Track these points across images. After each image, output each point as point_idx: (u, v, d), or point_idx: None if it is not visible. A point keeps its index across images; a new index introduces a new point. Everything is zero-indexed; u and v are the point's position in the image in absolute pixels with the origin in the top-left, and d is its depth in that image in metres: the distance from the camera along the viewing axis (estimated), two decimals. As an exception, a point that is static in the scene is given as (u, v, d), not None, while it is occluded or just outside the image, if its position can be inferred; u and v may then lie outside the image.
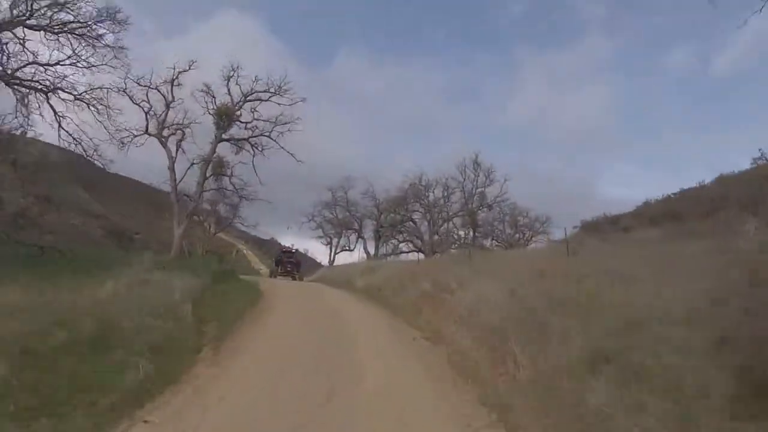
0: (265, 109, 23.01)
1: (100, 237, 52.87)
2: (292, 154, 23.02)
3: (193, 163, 21.09)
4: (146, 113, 20.96)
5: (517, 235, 50.09)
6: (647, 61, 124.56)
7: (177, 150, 21.00)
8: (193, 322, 9.03)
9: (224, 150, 22.88)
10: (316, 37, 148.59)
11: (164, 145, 21.00)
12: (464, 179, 48.39)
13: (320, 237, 45.18)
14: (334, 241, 45.12)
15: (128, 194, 49.22)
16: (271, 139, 22.76)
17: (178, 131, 21.24)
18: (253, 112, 23.09)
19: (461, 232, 50.20)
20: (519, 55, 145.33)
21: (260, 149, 22.76)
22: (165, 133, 21.10)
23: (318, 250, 63.49)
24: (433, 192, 47.47)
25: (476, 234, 50.02)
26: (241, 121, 22.80)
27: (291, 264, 28.62)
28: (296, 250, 32.26)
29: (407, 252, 46.46)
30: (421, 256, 45.37)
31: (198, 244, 37.09)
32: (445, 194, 48.67)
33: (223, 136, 21.97)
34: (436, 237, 48.41)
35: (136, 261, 13.98)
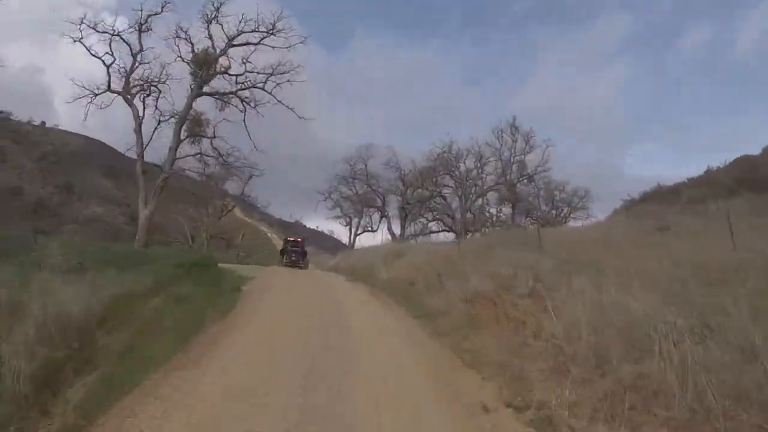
0: (261, 58, 18.14)
1: (122, 224, 49.83)
2: (292, 109, 18.23)
3: (160, 121, 16.48)
4: (108, 66, 16.38)
5: (554, 212, 43.66)
6: (666, 40, 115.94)
7: (144, 109, 16.44)
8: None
9: (207, 107, 18.27)
10: (331, 19, 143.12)
11: (130, 103, 16.38)
12: (501, 145, 42.55)
13: (338, 217, 40.45)
14: (354, 221, 40.28)
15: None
16: (265, 91, 17.97)
17: (148, 87, 16.63)
18: (244, 64, 18.24)
19: (492, 209, 44.65)
20: (535, 35, 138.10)
21: (253, 105, 18.02)
22: (132, 89, 16.49)
23: (344, 232, 59.13)
24: (464, 163, 41.85)
25: (515, 210, 44.29)
26: (229, 74, 17.99)
27: (296, 253, 26.80)
28: (303, 239, 29.72)
29: (437, 231, 41.26)
30: (451, 236, 40.29)
31: (202, 228, 33.05)
32: (478, 165, 42.98)
33: (204, 89, 17.25)
34: (468, 214, 42.97)
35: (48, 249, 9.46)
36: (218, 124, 17.81)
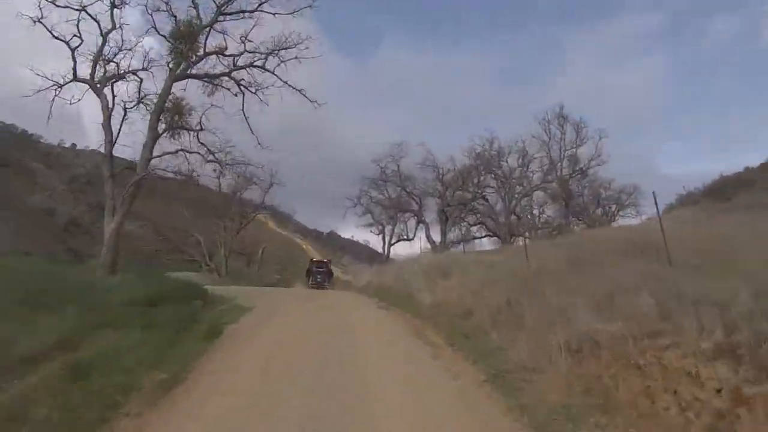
0: (262, 34, 14.69)
1: (154, 241, 47.94)
2: (300, 91, 14.53)
3: (126, 109, 12.96)
4: (73, 50, 13.19)
5: (599, 211, 38.79)
6: (695, 31, 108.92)
7: (114, 99, 13.05)
8: None
9: (195, 96, 14.84)
10: (358, 26, 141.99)
11: (98, 93, 13.06)
12: (549, 138, 37.58)
13: (370, 225, 36.36)
14: (388, 228, 36.04)
15: (167, 193, 43.83)
16: (266, 70, 14.36)
17: (120, 72, 13.30)
18: (243, 43, 14.74)
19: (535, 210, 39.62)
20: (561, 33, 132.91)
21: (253, 90, 14.45)
22: (101, 76, 13.22)
23: (377, 241, 55.22)
24: (507, 161, 37.23)
25: (570, 209, 39.05)
26: (225, 55, 14.51)
27: (321, 274, 26.58)
28: (329, 260, 30.11)
29: (479, 237, 36.62)
30: (490, 241, 35.61)
31: (219, 243, 30.05)
32: (523, 162, 38.15)
33: (191, 72, 13.80)
34: (513, 217, 38.12)
35: None
36: (209, 115, 14.18)
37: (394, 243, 35.37)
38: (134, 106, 13.05)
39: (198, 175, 13.48)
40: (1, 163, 61.70)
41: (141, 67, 13.79)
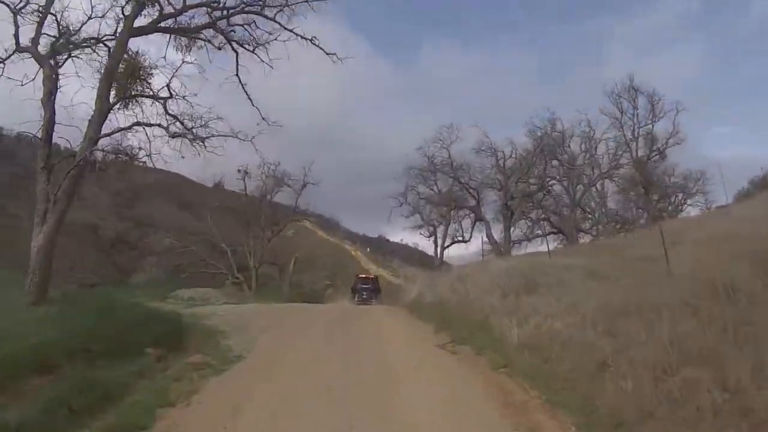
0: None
1: (199, 252, 46.25)
2: (312, 40, 10.44)
3: (56, 75, 9.11)
4: (16, 14, 9.76)
5: (663, 201, 32.72)
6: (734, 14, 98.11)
7: (57, 71, 9.44)
8: None
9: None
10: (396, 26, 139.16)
11: (42, 62, 9.43)
12: (622, 113, 31.49)
13: (419, 226, 31.62)
14: (440, 229, 31.14)
15: (207, 204, 42.17)
16: (265, 17, 10.42)
17: (67, 39, 9.75)
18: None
19: (592, 201, 33.51)
20: (600, 25, 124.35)
21: (251, 47, 10.57)
22: (45, 45, 9.71)
23: (428, 246, 50.65)
24: (569, 146, 31.68)
25: (651, 197, 32.70)
26: (212, 6, 10.70)
27: (367, 291, 25.01)
28: (375, 276, 28.13)
29: (542, 235, 31.12)
30: (550, 240, 30.06)
31: (248, 254, 26.89)
32: (586, 147, 32.48)
33: (161, 24, 10.04)
34: (579, 211, 32.25)
35: None
36: (184, 80, 10.28)
37: (448, 246, 30.46)
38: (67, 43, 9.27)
39: (152, 155, 9.55)
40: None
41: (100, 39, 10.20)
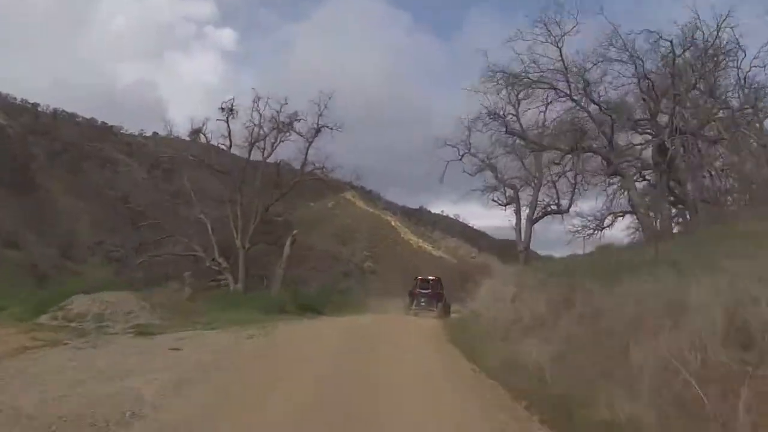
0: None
1: (167, 227, 40.98)
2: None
3: None
4: None
5: None
6: None
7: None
8: None
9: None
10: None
11: None
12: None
13: (488, 190, 21.56)
14: (525, 193, 21.25)
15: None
16: None
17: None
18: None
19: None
20: None
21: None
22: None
23: (502, 219, 40.58)
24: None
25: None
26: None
27: (427, 297, 20.75)
28: (438, 278, 22.62)
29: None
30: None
31: (236, 230, 19.69)
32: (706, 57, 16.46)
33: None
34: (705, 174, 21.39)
35: None
36: None
37: (538, 218, 20.10)
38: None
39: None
40: (83, 155, 59.55)
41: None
